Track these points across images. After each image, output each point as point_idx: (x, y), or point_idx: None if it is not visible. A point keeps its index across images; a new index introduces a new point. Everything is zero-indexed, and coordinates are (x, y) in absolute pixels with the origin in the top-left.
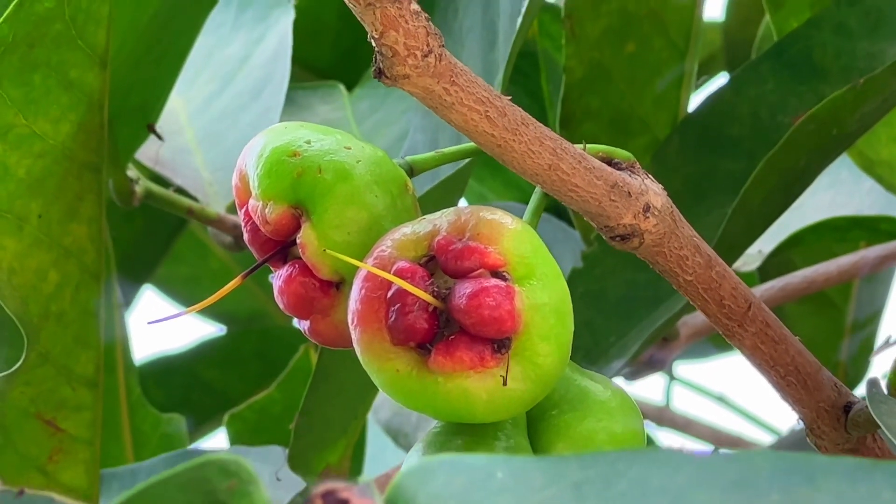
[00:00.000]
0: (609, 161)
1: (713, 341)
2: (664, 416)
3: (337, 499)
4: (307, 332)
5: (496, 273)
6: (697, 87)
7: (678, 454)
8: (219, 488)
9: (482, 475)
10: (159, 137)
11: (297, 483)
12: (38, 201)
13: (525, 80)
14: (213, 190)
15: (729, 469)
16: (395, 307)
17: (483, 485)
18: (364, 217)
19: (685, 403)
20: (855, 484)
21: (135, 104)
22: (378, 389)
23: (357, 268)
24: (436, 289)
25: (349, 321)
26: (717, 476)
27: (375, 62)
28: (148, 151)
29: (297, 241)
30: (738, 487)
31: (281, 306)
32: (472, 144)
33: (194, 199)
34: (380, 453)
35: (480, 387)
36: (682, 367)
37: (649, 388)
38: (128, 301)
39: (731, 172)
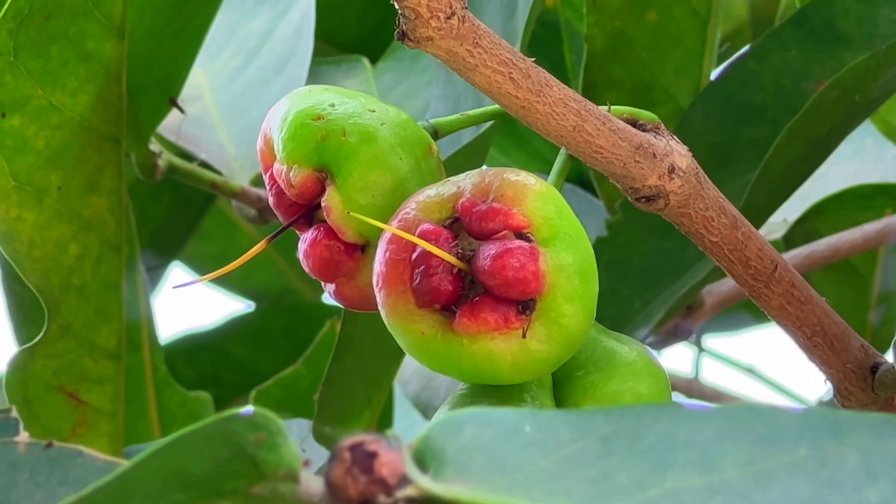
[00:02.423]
0: (634, 123)
1: (742, 312)
2: (693, 388)
3: (365, 451)
4: (332, 295)
5: (520, 234)
6: (724, 60)
7: (705, 409)
8: (247, 441)
9: (510, 428)
10: (181, 111)
11: (322, 455)
12: (58, 173)
13: (547, 50)
14: (237, 164)
15: (756, 423)
16: (420, 269)
17: (511, 438)
18: (388, 179)
19: (715, 375)
20: (882, 439)
21: (156, 77)
22: (401, 360)
23: (382, 230)
24: (460, 250)
25: (374, 284)
26: (744, 430)
27: (398, 25)
28: (171, 125)
29: (322, 204)
30: (766, 441)
31: (306, 269)
32: (495, 107)
33: (218, 172)
34: (409, 429)
35: (505, 348)
36: (711, 340)
37: (678, 360)
38: (156, 277)
39: (755, 140)
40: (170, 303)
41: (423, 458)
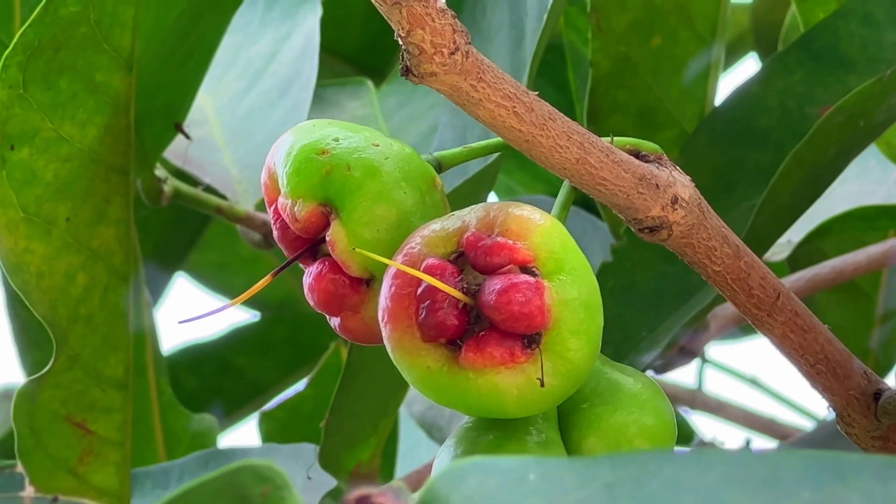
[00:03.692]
0: (636, 154)
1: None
2: (697, 399)
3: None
4: (337, 329)
5: (525, 269)
6: (725, 69)
7: (709, 453)
8: (253, 493)
9: (514, 477)
10: (187, 136)
11: (328, 481)
12: (66, 205)
13: (552, 72)
14: (241, 188)
15: (759, 468)
16: (426, 304)
17: (515, 487)
18: (393, 214)
19: (718, 386)
20: (886, 482)
21: (162, 104)
22: (408, 387)
23: (387, 265)
24: (465, 285)
25: (379, 318)
26: (747, 475)
27: (403, 60)
28: (176, 150)
29: (327, 238)
30: (769, 486)
31: (311, 303)
32: (499, 139)
33: (223, 196)
34: (413, 448)
35: (511, 382)
36: (714, 350)
37: (681, 371)
38: (159, 291)
39: (760, 164)
40: (173, 314)
41: None
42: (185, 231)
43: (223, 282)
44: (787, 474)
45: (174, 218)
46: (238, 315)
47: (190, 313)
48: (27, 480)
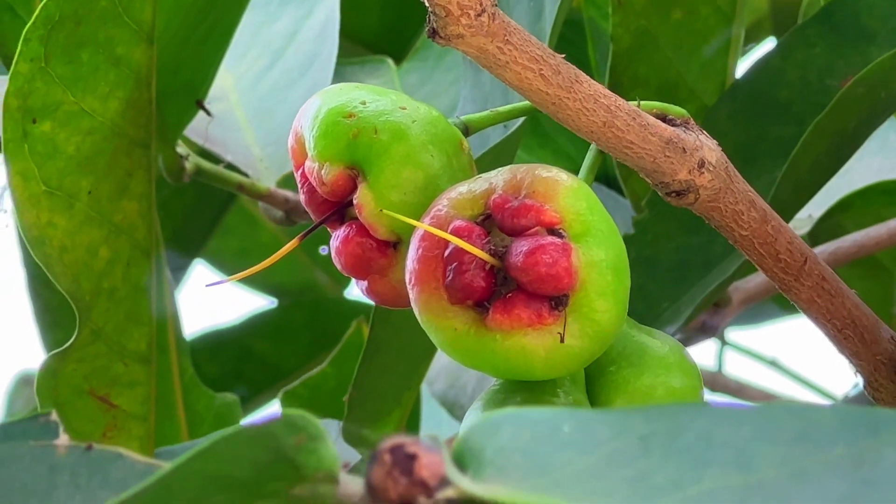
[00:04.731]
0: (663, 118)
1: (767, 304)
2: (717, 382)
3: (405, 453)
4: (365, 292)
5: (552, 230)
6: (744, 53)
7: (742, 408)
8: (286, 444)
9: (548, 429)
10: (208, 113)
11: (352, 456)
12: (89, 178)
13: (571, 48)
14: (263, 165)
15: (793, 422)
16: (453, 266)
17: (549, 438)
18: (420, 177)
19: (738, 369)
20: None
21: (183, 81)
22: (431, 360)
23: (414, 227)
24: (492, 247)
25: (406, 281)
26: (780, 429)
27: (429, 22)
28: (198, 128)
29: (354, 201)
30: (802, 440)
31: (338, 267)
32: (526, 103)
33: (244, 174)
34: (436, 428)
35: (538, 344)
36: (734, 333)
37: (701, 353)
38: (179, 276)
39: (781, 137)
40: (193, 300)
41: (462, 459)
42: (204, 217)
43: (243, 268)
44: (819, 429)
45: (193, 203)
46: (258, 301)
47: (210, 301)
48: (61, 429)
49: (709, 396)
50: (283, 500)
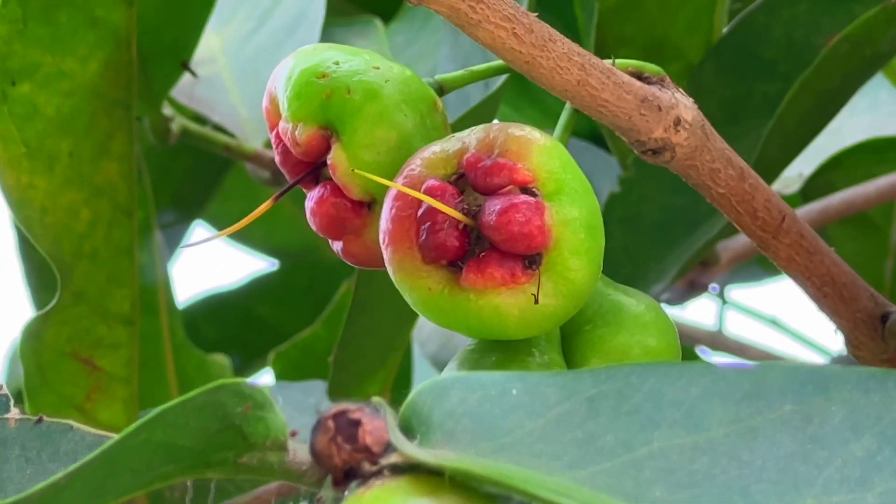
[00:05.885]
0: (639, 76)
1: (763, 264)
2: (717, 341)
3: (348, 419)
4: (340, 253)
5: (525, 189)
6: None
7: (693, 367)
8: (233, 412)
9: (497, 392)
10: (193, 74)
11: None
12: (69, 140)
13: (558, 9)
14: (249, 126)
15: (742, 381)
16: (426, 225)
17: (498, 401)
18: (393, 136)
19: (738, 328)
20: (868, 393)
21: (167, 42)
22: (415, 321)
23: (388, 187)
24: (466, 206)
25: (381, 241)
26: (730, 388)
27: None
28: (184, 89)
29: (328, 162)
30: (752, 398)
31: (313, 227)
32: (501, 62)
33: (231, 135)
34: None
35: (512, 303)
36: (735, 292)
37: (702, 312)
38: (178, 238)
39: (767, 95)
40: (192, 263)
41: (410, 424)
42: (202, 180)
43: (244, 231)
44: (769, 387)
45: (191, 167)
46: (258, 264)
47: (210, 264)
48: (11, 402)
49: (710, 356)
50: (231, 469)
